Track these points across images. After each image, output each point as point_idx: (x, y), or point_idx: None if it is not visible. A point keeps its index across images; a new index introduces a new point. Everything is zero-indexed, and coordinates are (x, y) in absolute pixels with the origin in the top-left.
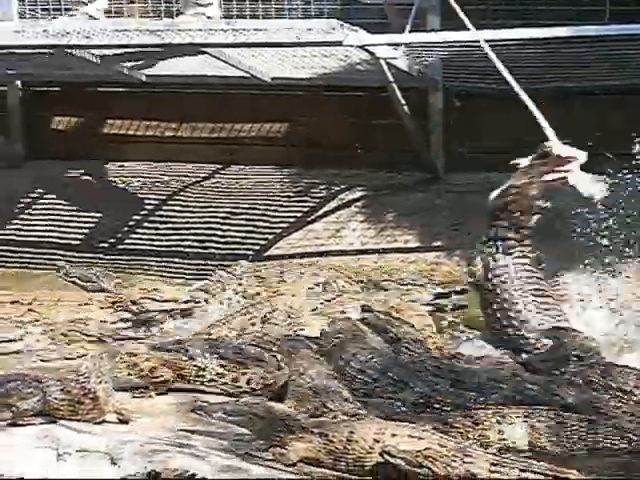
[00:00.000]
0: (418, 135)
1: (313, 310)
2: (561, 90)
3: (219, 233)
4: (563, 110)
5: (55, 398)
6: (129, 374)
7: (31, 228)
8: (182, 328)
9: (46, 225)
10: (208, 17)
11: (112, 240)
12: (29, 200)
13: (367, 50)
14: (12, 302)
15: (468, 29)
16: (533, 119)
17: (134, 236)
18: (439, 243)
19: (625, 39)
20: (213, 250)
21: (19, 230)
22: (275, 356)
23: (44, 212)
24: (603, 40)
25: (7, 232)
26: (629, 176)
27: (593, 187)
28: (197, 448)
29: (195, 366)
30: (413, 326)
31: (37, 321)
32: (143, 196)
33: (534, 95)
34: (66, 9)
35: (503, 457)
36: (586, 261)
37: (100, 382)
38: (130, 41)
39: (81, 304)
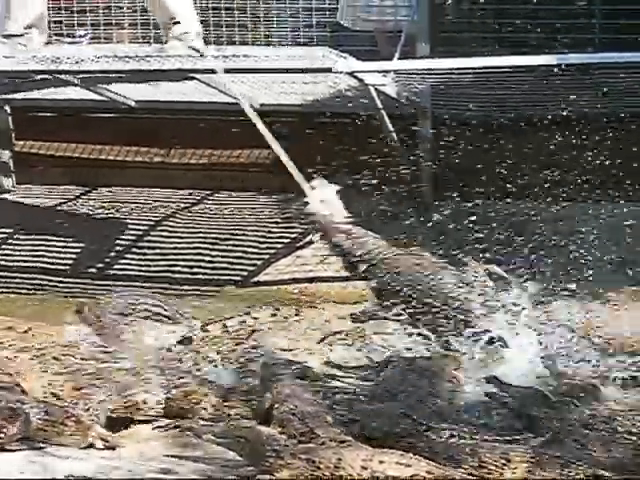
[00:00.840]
0: (407, 162)
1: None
2: (553, 117)
3: (207, 259)
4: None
5: (38, 419)
6: None
7: (18, 254)
8: None
9: (33, 252)
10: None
11: (100, 266)
12: (17, 226)
13: (356, 77)
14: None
15: (457, 56)
16: (524, 146)
17: (122, 262)
18: None
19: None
20: (201, 276)
21: (7, 256)
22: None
23: (32, 238)
24: (589, 68)
25: None
26: None
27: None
28: (184, 475)
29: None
30: None
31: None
32: (131, 222)
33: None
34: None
35: None
36: None
37: (86, 407)
38: (120, 67)
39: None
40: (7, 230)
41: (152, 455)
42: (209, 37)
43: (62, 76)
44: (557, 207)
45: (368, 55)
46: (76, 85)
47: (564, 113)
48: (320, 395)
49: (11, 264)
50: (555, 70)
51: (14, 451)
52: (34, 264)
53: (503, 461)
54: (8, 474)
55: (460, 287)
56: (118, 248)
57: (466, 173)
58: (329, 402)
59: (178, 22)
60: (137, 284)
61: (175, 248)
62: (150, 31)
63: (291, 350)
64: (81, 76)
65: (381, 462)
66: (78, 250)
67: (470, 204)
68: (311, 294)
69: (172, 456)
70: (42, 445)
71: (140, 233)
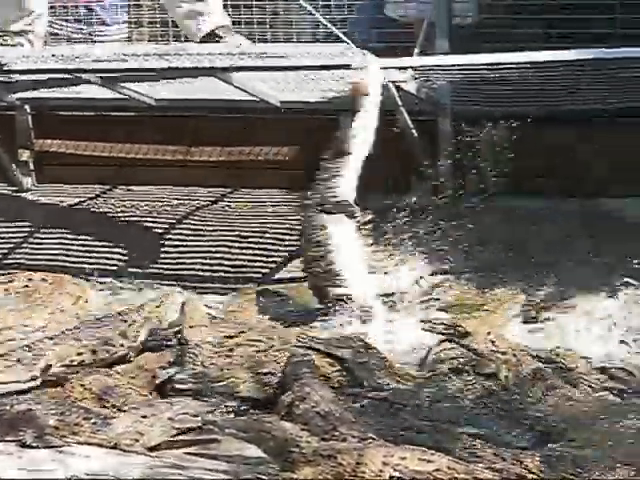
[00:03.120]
0: (426, 158)
1: None
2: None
3: (228, 257)
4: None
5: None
6: None
7: (40, 253)
8: None
9: (54, 251)
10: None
11: (121, 264)
12: (38, 225)
13: None
14: None
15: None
16: (545, 143)
17: (143, 261)
18: (447, 267)
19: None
20: (222, 274)
21: (27, 255)
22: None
23: (52, 238)
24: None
25: (16, 257)
26: None
27: None
28: (205, 471)
29: None
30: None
31: None
32: (151, 220)
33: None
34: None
35: None
36: None
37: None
38: (139, 65)
39: None
40: (27, 229)
41: (169, 452)
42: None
43: (82, 75)
44: (579, 203)
45: (387, 52)
46: (95, 84)
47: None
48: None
49: (31, 262)
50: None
51: (34, 449)
52: (54, 263)
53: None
54: (29, 471)
55: None
56: (139, 247)
57: (485, 169)
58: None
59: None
60: (157, 282)
61: (195, 246)
62: (169, 29)
63: None
64: (101, 75)
65: (402, 458)
66: (99, 249)
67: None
68: None
69: (190, 453)
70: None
71: (161, 232)
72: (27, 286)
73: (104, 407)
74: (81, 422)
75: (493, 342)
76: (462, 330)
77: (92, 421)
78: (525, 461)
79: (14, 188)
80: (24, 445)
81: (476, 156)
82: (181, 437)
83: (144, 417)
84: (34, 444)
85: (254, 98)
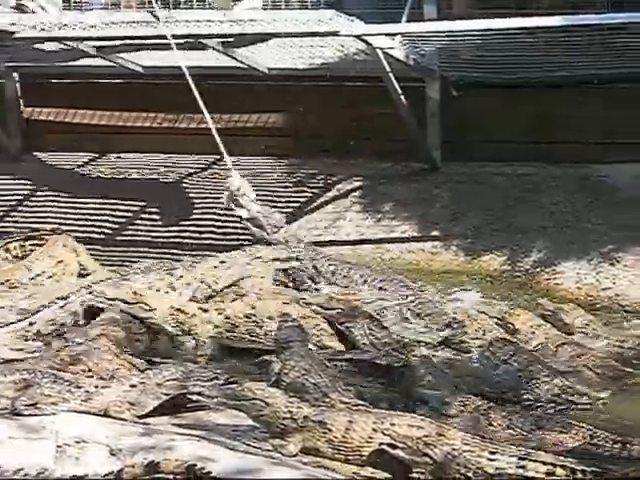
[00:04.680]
0: (415, 125)
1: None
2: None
3: (217, 224)
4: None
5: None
6: None
7: (30, 220)
8: None
9: (44, 217)
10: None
11: (109, 232)
12: (28, 192)
13: (364, 40)
14: None
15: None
16: (528, 108)
17: (132, 228)
18: (437, 233)
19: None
20: (211, 241)
21: (17, 222)
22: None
23: (42, 204)
24: (601, 29)
25: (6, 224)
26: None
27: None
28: (198, 438)
29: None
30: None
31: None
32: (140, 188)
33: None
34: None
35: (501, 446)
36: None
37: None
38: (127, 33)
39: None
40: (16, 196)
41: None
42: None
43: (72, 43)
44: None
45: (375, 18)
46: (86, 52)
47: (570, 74)
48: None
49: (21, 228)
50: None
51: (26, 417)
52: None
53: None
54: (21, 439)
55: None
56: (127, 214)
57: (473, 135)
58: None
59: None
60: (146, 249)
61: (185, 214)
62: None
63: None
64: (91, 43)
65: (392, 424)
66: (89, 217)
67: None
68: None
69: (180, 425)
70: (53, 412)
71: (150, 199)
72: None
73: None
74: (72, 390)
75: None
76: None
77: (83, 389)
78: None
79: (2, 155)
80: (16, 413)
81: (463, 122)
82: (170, 404)
83: (133, 386)
84: (25, 412)
85: (242, 65)
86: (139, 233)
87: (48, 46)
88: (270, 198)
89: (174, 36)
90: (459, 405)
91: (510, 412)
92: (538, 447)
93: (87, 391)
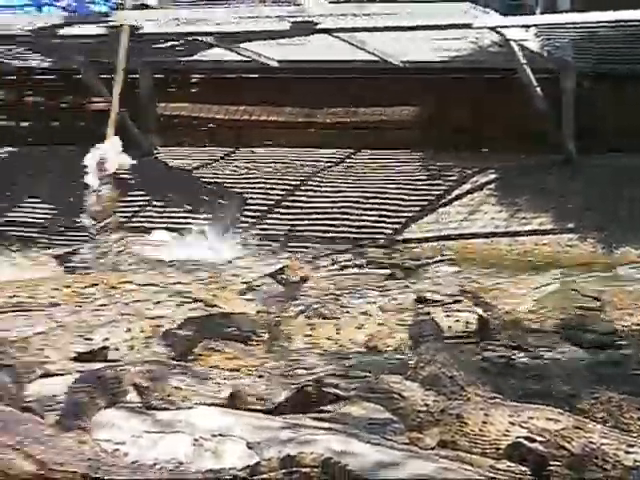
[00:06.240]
0: (550, 117)
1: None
2: None
3: (352, 217)
4: None
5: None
6: None
7: (163, 215)
8: None
9: (178, 213)
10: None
11: (246, 224)
12: (162, 188)
13: (498, 32)
14: None
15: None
16: None
17: (269, 220)
18: (572, 225)
19: None
20: (347, 234)
21: (151, 216)
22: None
23: (176, 200)
24: None
25: (141, 219)
26: None
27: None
28: (334, 432)
29: None
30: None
31: None
32: (276, 181)
33: None
34: None
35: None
36: None
37: None
38: (261, 27)
39: None
40: (151, 192)
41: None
42: None
43: (203, 38)
44: None
45: (510, 10)
46: (217, 46)
47: None
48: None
49: (153, 225)
50: None
51: (162, 410)
52: (177, 224)
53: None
54: (157, 433)
55: None
56: (261, 208)
57: (608, 126)
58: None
59: None
60: (280, 243)
61: (319, 207)
62: None
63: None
64: (221, 37)
65: (530, 418)
66: (220, 210)
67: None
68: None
69: (312, 417)
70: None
71: (284, 193)
72: None
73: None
74: (202, 383)
75: None
76: None
77: (214, 381)
78: None
79: (143, 151)
80: (149, 407)
81: (598, 113)
82: (301, 396)
83: (260, 377)
84: (160, 406)
85: (375, 58)
86: (275, 226)
87: (178, 41)
88: (405, 190)
89: (323, 30)
90: (592, 399)
91: None
92: None
93: (217, 383)
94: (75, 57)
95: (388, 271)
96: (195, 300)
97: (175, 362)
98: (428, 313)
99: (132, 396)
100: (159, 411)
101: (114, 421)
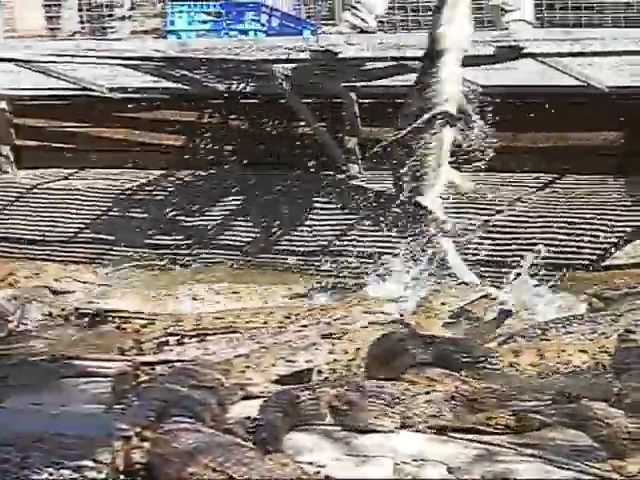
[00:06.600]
0: None
1: None
2: None
3: (556, 242)
4: None
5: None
6: None
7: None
8: None
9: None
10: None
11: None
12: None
13: None
14: None
15: None
16: None
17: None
18: None
19: None
20: (552, 260)
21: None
22: None
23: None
24: None
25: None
26: None
27: None
28: (533, 459)
29: None
30: None
31: None
32: (480, 206)
33: None
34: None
35: None
36: None
37: None
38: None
39: None
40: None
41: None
42: (555, 19)
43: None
44: None
45: None
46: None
47: None
48: None
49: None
50: None
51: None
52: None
53: None
54: (363, 455)
55: None
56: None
57: None
58: None
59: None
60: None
61: (522, 232)
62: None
63: None
64: None
65: None
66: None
67: None
68: None
69: (517, 444)
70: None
71: (481, 216)
72: None
73: None
74: (392, 404)
75: None
76: None
77: (403, 404)
78: None
79: (343, 175)
80: (350, 430)
81: None
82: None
83: (427, 393)
84: (360, 429)
85: (582, 83)
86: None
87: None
88: (609, 217)
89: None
90: None
91: None
92: None
93: (406, 407)
94: (279, 81)
95: (586, 300)
96: (403, 324)
97: (373, 383)
98: (635, 340)
99: (330, 419)
100: (360, 434)
101: (314, 443)
